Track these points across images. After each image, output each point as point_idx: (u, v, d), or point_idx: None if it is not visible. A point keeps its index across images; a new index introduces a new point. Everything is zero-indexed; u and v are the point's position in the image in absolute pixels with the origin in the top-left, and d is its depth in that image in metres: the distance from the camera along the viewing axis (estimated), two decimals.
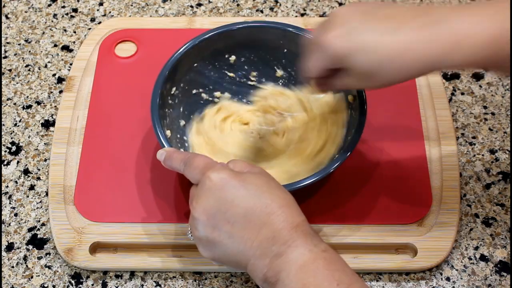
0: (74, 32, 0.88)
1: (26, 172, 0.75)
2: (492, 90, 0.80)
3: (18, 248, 0.69)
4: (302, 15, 0.89)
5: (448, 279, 0.66)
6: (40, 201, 0.72)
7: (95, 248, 0.67)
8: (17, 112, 0.80)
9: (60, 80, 0.83)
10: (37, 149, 0.77)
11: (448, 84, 0.81)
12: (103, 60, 0.81)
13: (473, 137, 0.76)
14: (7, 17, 0.90)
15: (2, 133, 0.78)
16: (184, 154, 0.59)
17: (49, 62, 0.85)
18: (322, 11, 0.89)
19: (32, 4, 0.91)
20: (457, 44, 0.50)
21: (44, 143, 0.77)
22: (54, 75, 0.83)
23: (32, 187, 0.73)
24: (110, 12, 0.90)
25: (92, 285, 0.66)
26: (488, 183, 0.73)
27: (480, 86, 0.81)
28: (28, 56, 0.85)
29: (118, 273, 0.67)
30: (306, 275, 0.50)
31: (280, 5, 0.90)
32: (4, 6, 0.91)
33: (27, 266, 0.68)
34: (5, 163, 0.75)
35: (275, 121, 0.73)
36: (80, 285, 0.66)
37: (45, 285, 0.67)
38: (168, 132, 0.66)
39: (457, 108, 0.79)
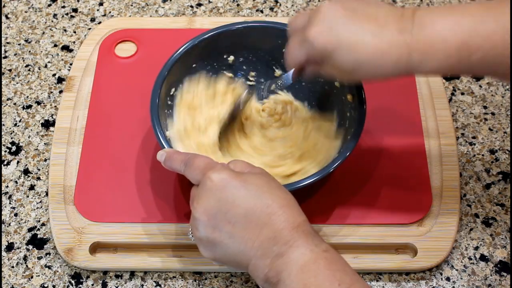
0: (74, 32, 0.88)
1: (26, 172, 0.75)
2: (492, 90, 0.81)
3: (18, 248, 0.69)
4: None
5: (448, 279, 0.66)
6: (40, 201, 0.72)
7: (95, 248, 0.67)
8: (17, 112, 0.80)
9: (60, 80, 0.83)
10: (37, 149, 0.77)
11: (448, 84, 0.81)
12: (103, 60, 0.81)
13: (473, 137, 0.76)
14: (7, 17, 0.89)
15: (2, 133, 0.78)
16: (184, 154, 0.59)
17: (49, 62, 0.85)
18: None
19: (32, 4, 0.91)
20: (432, 47, 0.51)
21: (44, 143, 0.77)
22: (54, 75, 0.83)
23: (32, 187, 0.73)
24: (110, 12, 0.90)
25: (92, 285, 0.66)
26: (488, 183, 0.73)
27: (480, 86, 0.81)
28: (28, 56, 0.85)
29: (118, 273, 0.67)
30: (307, 275, 0.50)
31: (280, 5, 0.90)
32: (4, 6, 0.91)
33: (27, 266, 0.68)
34: (5, 163, 0.75)
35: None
36: (80, 285, 0.66)
37: (45, 285, 0.67)
38: (168, 133, 0.66)
39: (457, 108, 0.79)
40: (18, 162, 0.75)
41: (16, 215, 0.71)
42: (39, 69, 0.84)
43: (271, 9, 0.90)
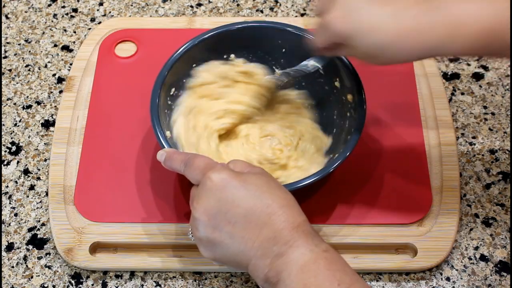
0: (74, 32, 0.88)
1: (26, 172, 0.75)
2: (492, 90, 0.81)
3: (18, 248, 0.69)
4: (302, 15, 0.89)
5: (448, 279, 0.66)
6: (40, 201, 0.72)
7: (95, 248, 0.67)
8: (17, 112, 0.80)
9: (60, 80, 0.83)
10: (37, 149, 0.77)
11: (448, 84, 0.81)
12: (103, 60, 0.81)
13: (473, 137, 0.76)
14: (7, 17, 0.89)
15: (2, 133, 0.78)
16: (184, 154, 0.59)
17: (49, 62, 0.85)
18: None
19: (32, 4, 0.91)
20: (456, 31, 0.50)
21: (44, 143, 0.77)
22: (54, 75, 0.83)
23: (32, 187, 0.73)
24: (110, 12, 0.90)
25: (92, 285, 0.66)
26: (488, 183, 0.73)
27: (480, 86, 0.81)
28: (28, 56, 0.85)
29: (118, 273, 0.67)
30: (307, 275, 0.50)
31: (280, 5, 0.90)
32: (4, 6, 0.91)
33: (27, 266, 0.68)
34: (5, 163, 0.75)
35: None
36: (80, 285, 0.66)
37: (45, 285, 0.67)
38: (168, 133, 0.66)
39: (457, 108, 0.79)
40: (18, 162, 0.75)
41: (16, 215, 0.71)
42: (39, 69, 0.84)
43: (271, 9, 0.90)
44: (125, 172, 0.72)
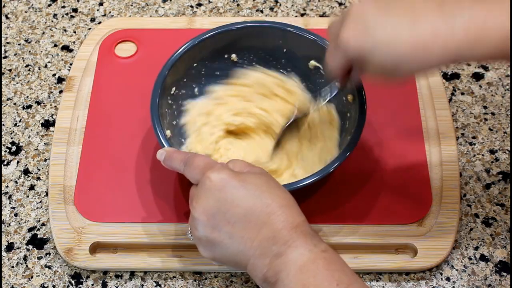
0: (74, 32, 0.88)
1: (26, 172, 0.75)
2: (492, 90, 0.80)
3: (18, 248, 0.69)
4: (302, 15, 0.89)
5: (448, 279, 0.66)
6: (40, 201, 0.72)
7: (95, 248, 0.67)
8: (17, 112, 0.80)
9: (60, 80, 0.83)
10: (37, 149, 0.77)
11: (448, 84, 0.81)
12: (103, 60, 0.81)
13: (473, 137, 0.76)
14: (7, 17, 0.90)
15: (2, 133, 0.78)
16: (184, 154, 0.59)
17: (49, 62, 0.85)
18: (322, 11, 0.89)
19: (32, 4, 0.91)
20: (477, 37, 0.48)
21: (44, 143, 0.77)
22: (54, 75, 0.83)
23: (32, 187, 0.73)
24: (110, 12, 0.90)
25: (92, 285, 0.66)
26: (488, 183, 0.73)
27: (480, 86, 0.81)
28: (28, 56, 0.85)
29: (118, 273, 0.67)
30: (306, 275, 0.50)
31: (280, 5, 0.90)
32: (4, 6, 0.91)
33: (27, 266, 0.68)
34: (5, 163, 0.75)
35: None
36: (80, 285, 0.66)
37: (45, 285, 0.67)
38: (168, 132, 0.66)
39: (457, 108, 0.79)
40: (18, 162, 0.75)
41: (16, 215, 0.71)
42: (39, 69, 0.84)
43: (271, 9, 0.90)
44: (125, 172, 0.72)
